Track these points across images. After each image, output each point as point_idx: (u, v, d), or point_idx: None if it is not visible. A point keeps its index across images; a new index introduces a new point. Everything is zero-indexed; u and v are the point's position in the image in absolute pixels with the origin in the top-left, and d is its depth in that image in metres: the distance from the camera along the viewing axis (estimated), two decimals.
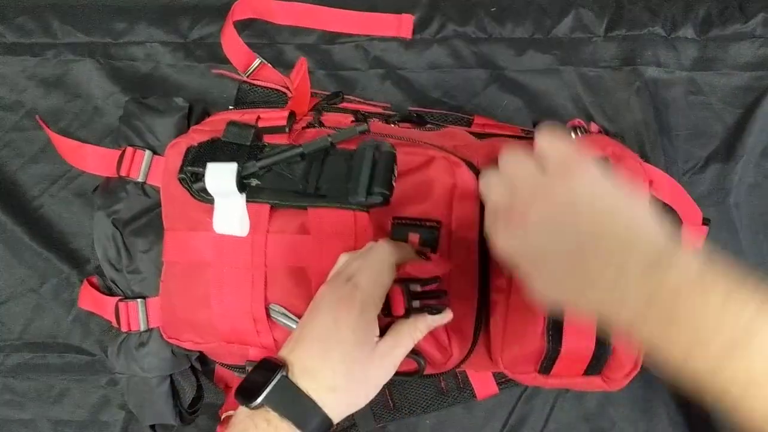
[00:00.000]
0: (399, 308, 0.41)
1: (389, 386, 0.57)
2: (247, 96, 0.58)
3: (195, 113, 0.53)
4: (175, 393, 0.49)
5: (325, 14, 0.60)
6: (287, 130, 0.48)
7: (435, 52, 0.62)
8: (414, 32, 0.61)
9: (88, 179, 0.60)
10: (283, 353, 0.38)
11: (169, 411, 0.49)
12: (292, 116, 0.50)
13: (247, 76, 0.58)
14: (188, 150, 0.47)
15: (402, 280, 0.41)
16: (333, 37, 0.61)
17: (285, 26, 0.61)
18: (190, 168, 0.45)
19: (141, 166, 0.52)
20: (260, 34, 0.60)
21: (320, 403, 0.36)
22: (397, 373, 0.41)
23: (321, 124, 0.51)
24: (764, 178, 0.61)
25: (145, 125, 0.52)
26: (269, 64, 0.59)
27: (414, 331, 0.40)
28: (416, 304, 0.41)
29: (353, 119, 0.56)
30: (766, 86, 0.60)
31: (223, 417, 0.53)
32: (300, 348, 0.38)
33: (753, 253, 0.60)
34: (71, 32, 0.61)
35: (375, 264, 0.40)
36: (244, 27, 0.60)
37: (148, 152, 0.52)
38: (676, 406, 0.59)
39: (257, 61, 0.58)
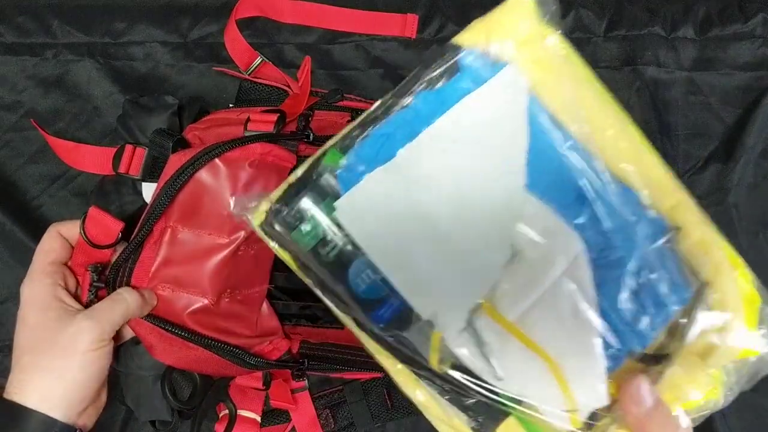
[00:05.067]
0: (84, 294, 0.45)
1: (387, 386, 0.57)
2: (249, 94, 0.58)
3: (191, 111, 0.53)
4: (171, 390, 0.49)
5: (331, 13, 0.60)
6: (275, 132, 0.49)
7: None
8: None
9: (87, 179, 0.60)
10: None
11: (165, 408, 0.49)
12: (281, 120, 0.50)
13: (249, 74, 0.58)
14: None
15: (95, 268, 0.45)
16: (333, 37, 0.61)
17: (285, 26, 0.61)
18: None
19: (142, 163, 0.52)
20: (260, 34, 0.60)
21: (23, 401, 0.39)
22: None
23: (310, 131, 0.52)
24: (764, 178, 0.61)
25: (137, 124, 0.52)
26: (270, 62, 0.59)
27: (113, 304, 0.43)
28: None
29: (349, 119, 0.56)
30: (765, 86, 0.60)
31: (221, 415, 0.53)
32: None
33: (753, 253, 0.60)
34: (71, 32, 0.60)
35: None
36: (245, 27, 0.60)
37: (149, 150, 0.52)
38: None
39: (259, 59, 0.58)
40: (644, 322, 0.37)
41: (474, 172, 0.37)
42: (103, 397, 0.45)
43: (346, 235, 0.37)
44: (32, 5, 0.61)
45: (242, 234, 0.46)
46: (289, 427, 0.57)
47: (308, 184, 0.37)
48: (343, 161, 0.37)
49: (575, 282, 0.36)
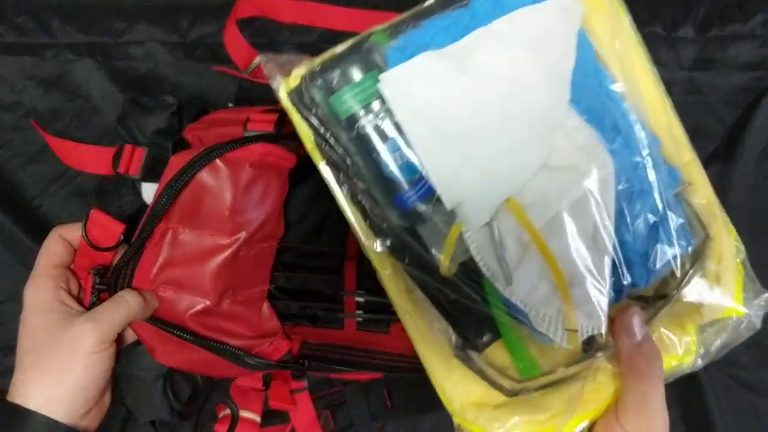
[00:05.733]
0: (86, 296, 0.45)
1: (387, 387, 0.57)
2: (248, 94, 0.58)
3: (190, 111, 0.53)
4: (172, 389, 0.49)
5: (331, 12, 0.60)
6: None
7: None
8: None
9: (87, 179, 0.60)
10: None
11: (165, 408, 0.49)
12: (281, 120, 0.50)
13: (248, 74, 0.58)
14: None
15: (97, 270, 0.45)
16: (333, 37, 0.61)
17: (285, 26, 0.61)
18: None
19: (141, 163, 0.52)
20: (260, 34, 0.60)
21: (26, 403, 0.39)
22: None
23: None
24: (764, 178, 0.61)
25: (136, 124, 0.52)
26: None
27: (115, 306, 0.42)
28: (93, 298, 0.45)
29: None
30: (766, 86, 0.60)
31: (221, 415, 0.53)
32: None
33: (753, 254, 0.60)
34: (70, 32, 0.60)
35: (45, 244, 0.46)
36: (245, 26, 0.60)
37: (148, 150, 0.52)
38: (673, 405, 0.59)
39: (258, 59, 0.58)
40: (653, 257, 0.38)
41: (523, 75, 0.38)
42: (107, 400, 0.45)
43: (387, 110, 0.37)
44: (32, 5, 0.61)
45: (243, 234, 0.46)
46: (289, 428, 0.57)
47: (356, 54, 0.37)
48: (394, 42, 0.37)
49: (601, 200, 0.37)
